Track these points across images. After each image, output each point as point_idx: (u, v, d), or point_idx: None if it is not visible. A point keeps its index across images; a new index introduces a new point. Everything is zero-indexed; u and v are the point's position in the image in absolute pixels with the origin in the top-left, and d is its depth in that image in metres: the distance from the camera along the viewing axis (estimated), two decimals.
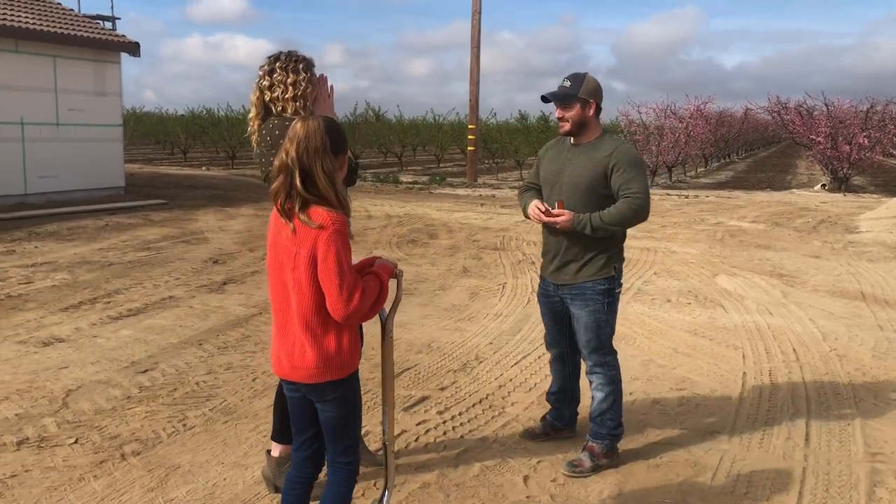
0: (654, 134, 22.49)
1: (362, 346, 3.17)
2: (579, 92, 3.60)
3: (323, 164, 2.42)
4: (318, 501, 2.71)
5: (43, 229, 10.89)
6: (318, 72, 3.47)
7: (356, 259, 2.61)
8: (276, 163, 2.45)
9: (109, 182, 15.10)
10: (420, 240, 10.80)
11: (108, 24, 17.18)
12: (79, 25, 14.78)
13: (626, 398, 4.65)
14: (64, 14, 15.22)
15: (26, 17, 13.67)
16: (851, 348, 5.78)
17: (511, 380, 5.02)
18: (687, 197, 17.94)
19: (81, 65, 14.42)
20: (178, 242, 10.13)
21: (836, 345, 5.86)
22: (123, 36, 15.54)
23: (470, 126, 21.67)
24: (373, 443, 3.93)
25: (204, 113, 34.56)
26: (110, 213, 12.76)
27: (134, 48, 15.23)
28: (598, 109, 3.68)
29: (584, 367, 3.88)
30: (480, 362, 5.37)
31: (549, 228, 3.75)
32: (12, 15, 13.43)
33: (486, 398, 4.69)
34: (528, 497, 3.47)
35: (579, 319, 3.72)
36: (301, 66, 3.38)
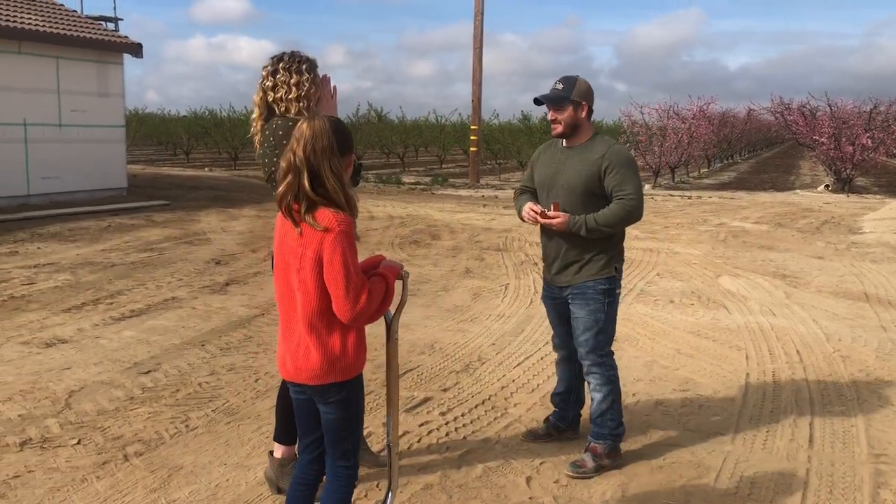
0: (657, 135, 22.45)
1: None
2: (571, 94, 3.64)
3: (331, 164, 2.41)
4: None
5: (45, 230, 10.90)
6: (321, 72, 3.47)
7: (361, 259, 2.60)
8: (283, 164, 2.44)
9: (112, 183, 15.12)
10: (422, 241, 10.79)
11: (111, 26, 17.18)
12: (81, 26, 14.80)
13: (629, 399, 4.66)
14: (67, 15, 15.24)
15: (29, 19, 13.69)
16: (855, 349, 5.77)
17: (514, 381, 5.01)
18: (690, 198, 17.93)
19: (84, 66, 14.44)
20: (180, 243, 10.14)
21: (840, 346, 5.84)
22: (126, 37, 15.56)
23: (472, 127, 21.67)
24: (375, 444, 3.93)
25: (206, 114, 34.61)
26: (113, 214, 12.77)
27: (136, 49, 15.25)
28: (590, 111, 3.72)
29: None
30: (483, 363, 5.36)
31: (547, 232, 3.78)
32: (15, 16, 13.45)
33: (489, 399, 4.68)
34: (530, 498, 3.46)
35: (578, 318, 3.73)
36: (304, 66, 3.38)
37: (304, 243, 2.42)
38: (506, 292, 7.58)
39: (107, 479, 3.58)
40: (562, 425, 4.08)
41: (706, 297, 7.39)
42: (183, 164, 28.50)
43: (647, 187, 20.91)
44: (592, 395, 3.80)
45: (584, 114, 3.67)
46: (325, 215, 2.39)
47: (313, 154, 2.40)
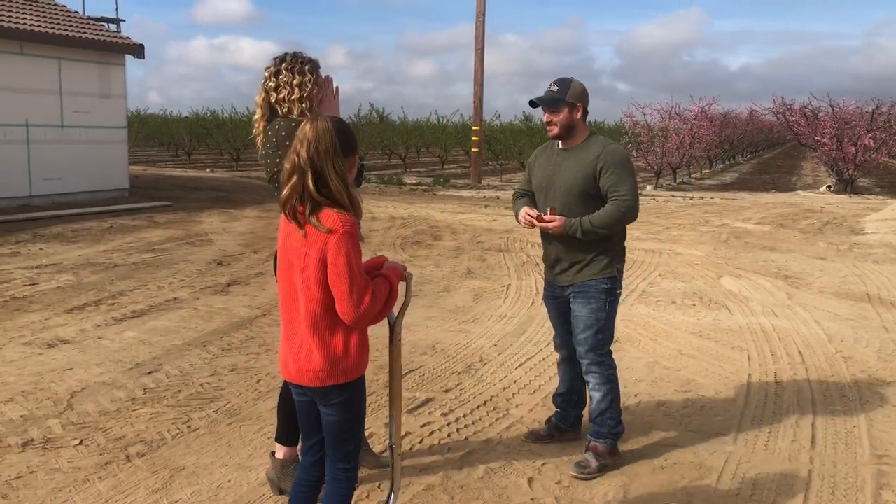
0: (659, 135, 22.45)
1: None
2: (567, 96, 3.67)
3: (334, 165, 2.40)
4: None
5: (47, 231, 10.91)
6: (323, 73, 3.47)
7: (364, 260, 2.60)
8: (287, 165, 2.44)
9: (114, 184, 15.14)
10: (424, 241, 10.80)
11: (113, 27, 17.17)
12: (83, 28, 14.82)
13: (631, 400, 4.66)
14: (68, 16, 15.26)
15: (31, 20, 13.71)
16: (857, 350, 5.76)
17: (515, 382, 5.01)
18: (692, 198, 17.91)
19: (86, 67, 14.46)
20: (182, 244, 10.15)
21: (842, 347, 5.84)
22: (128, 38, 15.58)
23: (474, 127, 21.66)
24: (377, 445, 3.92)
25: (208, 115, 34.61)
26: (115, 215, 12.78)
27: (138, 50, 15.27)
28: (586, 112, 3.75)
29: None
30: (485, 364, 5.36)
31: (546, 234, 3.79)
32: (17, 17, 13.48)
33: (491, 400, 4.68)
34: (532, 499, 3.46)
35: (579, 317, 3.74)
36: (307, 67, 3.38)
37: (308, 244, 2.41)
38: (507, 293, 7.57)
39: (109, 479, 3.58)
40: (563, 426, 4.08)
41: (708, 298, 7.39)
42: (185, 164, 28.52)
43: (648, 188, 20.91)
44: (592, 395, 3.81)
45: (579, 115, 3.70)
46: (330, 216, 2.39)
47: (317, 155, 2.39)
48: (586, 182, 3.64)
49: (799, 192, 20.72)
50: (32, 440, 3.98)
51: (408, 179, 22.21)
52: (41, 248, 9.56)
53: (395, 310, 2.74)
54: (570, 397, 4.07)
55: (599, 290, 3.70)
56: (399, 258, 9.39)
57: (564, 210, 3.67)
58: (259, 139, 3.46)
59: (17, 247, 9.61)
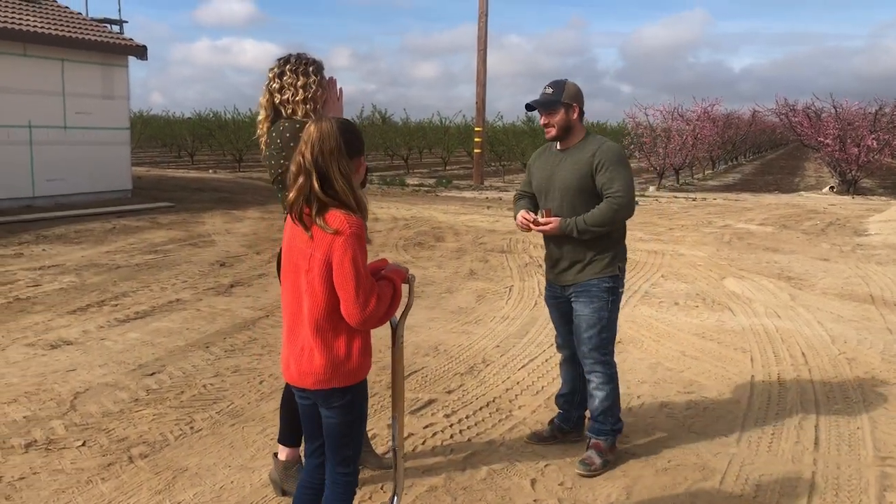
0: (662, 136, 22.43)
1: None
2: (562, 97, 3.70)
3: (339, 166, 2.39)
4: None
5: (50, 232, 10.93)
6: (326, 75, 3.47)
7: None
8: (293, 167, 2.43)
9: (117, 185, 15.16)
10: (426, 242, 10.80)
11: (116, 28, 17.18)
12: (86, 29, 14.84)
13: (634, 401, 4.66)
14: (71, 18, 15.29)
15: (34, 21, 13.74)
16: (860, 351, 5.75)
17: (518, 383, 5.00)
18: (694, 199, 17.90)
19: (89, 68, 14.48)
20: (185, 245, 10.16)
21: (845, 348, 5.83)
22: (131, 39, 15.61)
23: (476, 129, 21.65)
24: (380, 446, 3.92)
25: (211, 116, 34.67)
26: (117, 216, 12.80)
27: (141, 51, 15.29)
28: (581, 113, 3.78)
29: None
30: (487, 365, 5.36)
31: (548, 235, 3.80)
32: (20, 19, 13.50)
33: (494, 401, 4.68)
34: (535, 500, 3.46)
35: (582, 316, 3.76)
36: (311, 68, 3.38)
37: (314, 245, 2.41)
38: (510, 294, 7.57)
39: (112, 480, 3.58)
40: (566, 427, 4.08)
41: (711, 299, 7.38)
42: (187, 166, 28.55)
43: (651, 189, 20.90)
44: (594, 394, 3.82)
45: (575, 115, 3.73)
46: (336, 217, 2.38)
47: (321, 156, 2.39)
48: (584, 181, 3.67)
49: (802, 193, 20.69)
50: (35, 441, 3.99)
51: (410, 180, 22.21)
52: (44, 250, 9.57)
53: (398, 312, 2.73)
54: (572, 398, 4.07)
55: (601, 289, 3.72)
56: (401, 259, 9.39)
57: (564, 210, 3.70)
58: (263, 140, 3.46)
59: (20, 248, 9.63)
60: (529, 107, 3.79)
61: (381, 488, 3.51)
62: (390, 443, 3.04)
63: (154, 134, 35.57)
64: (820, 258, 9.75)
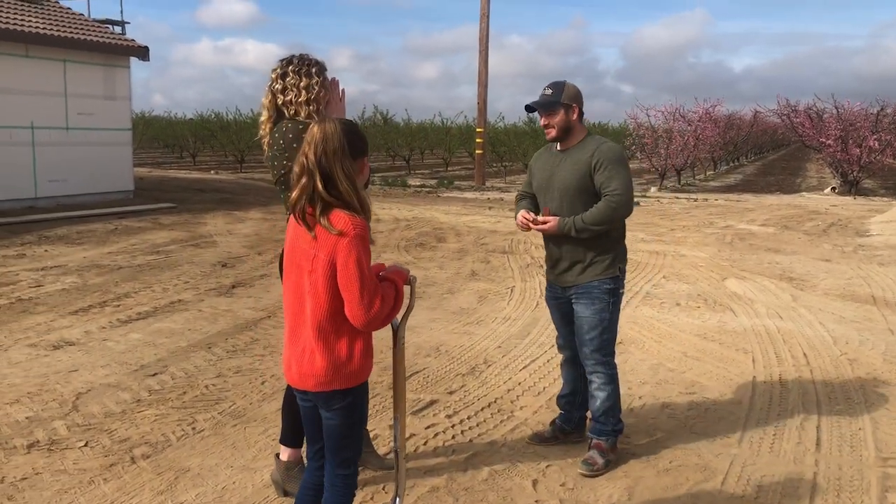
0: (663, 137, 22.43)
1: None
2: (561, 98, 3.72)
3: (342, 167, 2.39)
4: None
5: (53, 233, 10.94)
6: (328, 75, 3.47)
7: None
8: (296, 168, 2.43)
9: (119, 186, 15.17)
10: (428, 243, 10.80)
11: (118, 29, 17.20)
12: (88, 30, 14.86)
13: (635, 402, 4.66)
14: (73, 18, 15.30)
15: (36, 22, 13.76)
16: (862, 352, 5.75)
17: (520, 383, 5.01)
18: (696, 200, 17.89)
19: (91, 69, 14.50)
20: (186, 246, 10.17)
21: (847, 349, 5.82)
22: (133, 40, 15.62)
23: (478, 129, 21.65)
24: (381, 447, 3.93)
25: (212, 117, 34.66)
26: (120, 217, 12.81)
27: (143, 52, 15.30)
28: (581, 113, 3.79)
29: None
30: (489, 366, 5.36)
31: (548, 235, 3.82)
32: (22, 20, 13.52)
33: (495, 402, 4.68)
34: (536, 501, 3.46)
35: (583, 318, 3.76)
36: (314, 69, 3.38)
37: (317, 246, 2.40)
38: (512, 295, 7.57)
39: (114, 481, 3.59)
40: (568, 428, 4.09)
41: (712, 300, 7.38)
42: (189, 166, 28.57)
43: (652, 190, 20.89)
44: (596, 395, 3.83)
45: (574, 116, 3.75)
46: (341, 218, 2.38)
47: (324, 156, 2.39)
48: (583, 181, 3.68)
49: (803, 193, 20.68)
50: (38, 442, 3.99)
51: (412, 181, 22.22)
52: (46, 250, 9.58)
53: (399, 313, 2.74)
54: (573, 399, 4.08)
55: (602, 290, 3.73)
56: (403, 260, 9.40)
57: (564, 210, 3.71)
58: (265, 141, 3.46)
59: (22, 248, 9.64)
60: (529, 108, 3.81)
61: (383, 489, 3.51)
62: (392, 443, 3.04)
63: (156, 135, 35.61)
64: (822, 259, 9.74)
